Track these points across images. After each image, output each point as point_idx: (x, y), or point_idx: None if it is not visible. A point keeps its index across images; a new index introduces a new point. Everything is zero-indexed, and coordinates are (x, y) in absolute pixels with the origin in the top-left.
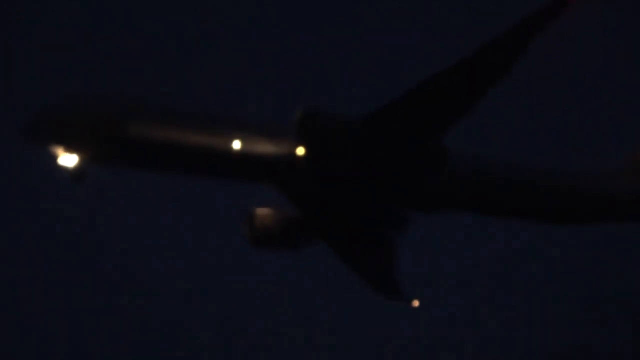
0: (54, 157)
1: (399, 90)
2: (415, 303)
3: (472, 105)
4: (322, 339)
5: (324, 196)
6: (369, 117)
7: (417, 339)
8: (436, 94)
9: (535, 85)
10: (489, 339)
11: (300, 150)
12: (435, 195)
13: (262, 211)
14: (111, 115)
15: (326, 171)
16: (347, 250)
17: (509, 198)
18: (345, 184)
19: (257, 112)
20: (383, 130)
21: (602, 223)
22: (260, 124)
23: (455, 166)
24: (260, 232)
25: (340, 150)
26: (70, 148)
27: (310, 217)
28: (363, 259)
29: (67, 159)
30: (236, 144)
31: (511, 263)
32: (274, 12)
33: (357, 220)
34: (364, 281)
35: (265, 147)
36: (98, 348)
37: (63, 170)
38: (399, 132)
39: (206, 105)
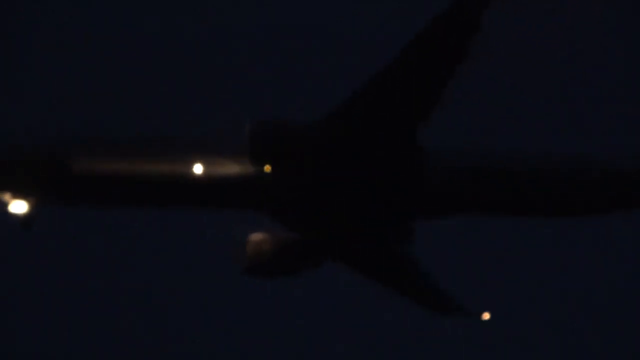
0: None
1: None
2: (486, 316)
3: (434, 96)
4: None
5: (304, 210)
6: (327, 119)
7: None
8: (387, 86)
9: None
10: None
11: (267, 168)
12: (431, 196)
13: (255, 237)
14: (53, 154)
15: (289, 184)
16: (361, 265)
17: (520, 193)
18: (320, 194)
19: (219, 129)
20: (345, 132)
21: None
22: (222, 143)
23: (454, 164)
24: (253, 260)
25: (301, 159)
26: (17, 194)
27: (302, 234)
28: (382, 272)
29: (17, 206)
30: (197, 169)
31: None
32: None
33: (354, 232)
34: (403, 297)
35: (229, 168)
36: None
37: (15, 217)
38: (361, 132)
39: (159, 128)
